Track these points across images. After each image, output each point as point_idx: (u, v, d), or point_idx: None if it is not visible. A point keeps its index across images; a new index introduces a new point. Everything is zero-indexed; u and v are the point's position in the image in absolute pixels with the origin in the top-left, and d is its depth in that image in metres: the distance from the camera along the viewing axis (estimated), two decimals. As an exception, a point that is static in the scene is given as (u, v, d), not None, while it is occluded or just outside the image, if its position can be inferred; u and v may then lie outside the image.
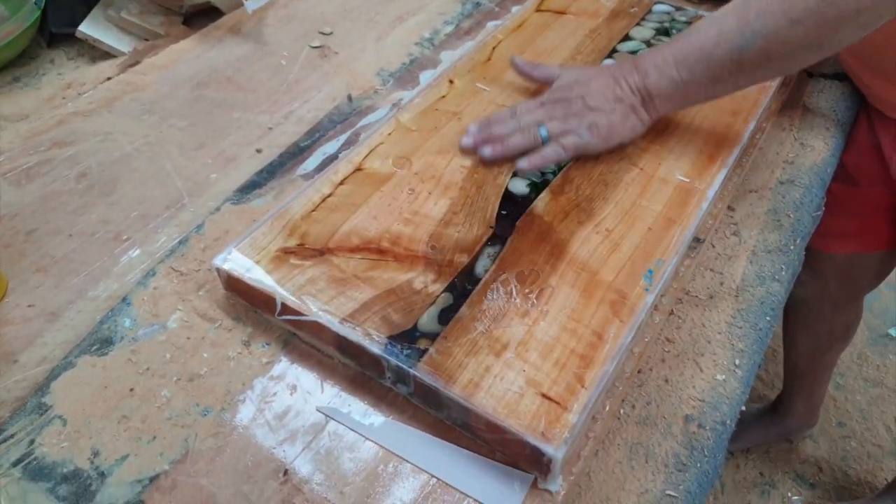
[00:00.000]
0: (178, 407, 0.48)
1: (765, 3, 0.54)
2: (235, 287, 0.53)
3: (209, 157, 0.68)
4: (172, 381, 0.50)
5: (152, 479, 0.44)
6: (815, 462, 1.37)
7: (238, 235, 0.55)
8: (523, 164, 0.61)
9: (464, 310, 0.50)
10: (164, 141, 0.69)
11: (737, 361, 0.56)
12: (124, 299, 0.55)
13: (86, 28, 0.86)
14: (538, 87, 0.70)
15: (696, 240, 0.62)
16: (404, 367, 0.46)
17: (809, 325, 1.12)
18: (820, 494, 1.33)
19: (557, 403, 0.44)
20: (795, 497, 1.32)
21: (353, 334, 0.48)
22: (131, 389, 0.49)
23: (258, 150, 0.68)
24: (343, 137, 0.70)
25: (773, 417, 1.33)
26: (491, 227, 0.56)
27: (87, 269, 0.57)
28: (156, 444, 0.46)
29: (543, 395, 0.45)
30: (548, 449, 0.42)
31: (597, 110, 0.61)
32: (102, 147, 0.68)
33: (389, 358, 0.47)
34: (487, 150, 0.61)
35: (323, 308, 0.49)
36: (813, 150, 0.76)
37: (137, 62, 0.79)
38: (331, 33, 0.84)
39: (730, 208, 0.70)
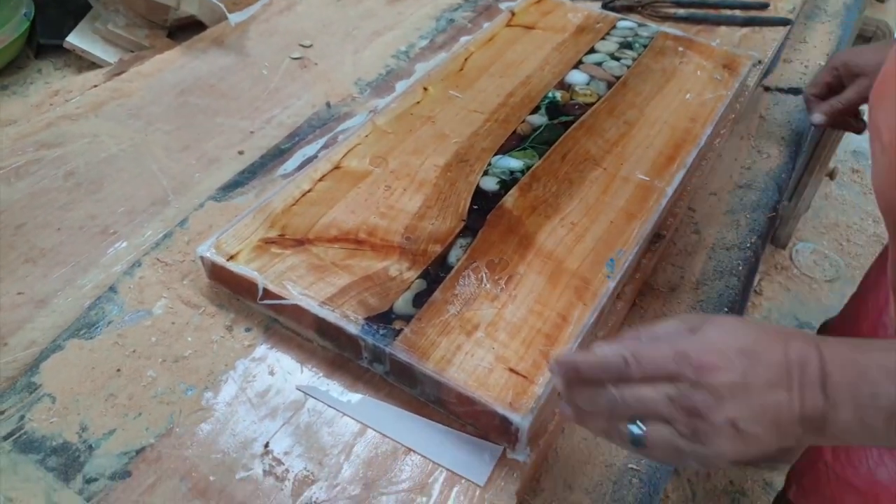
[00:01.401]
0: (163, 386, 0.50)
1: None
2: (219, 275, 0.56)
3: (193, 159, 0.70)
4: (158, 362, 0.52)
5: (138, 452, 0.46)
6: (783, 470, 1.40)
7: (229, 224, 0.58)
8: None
9: (437, 294, 0.53)
10: (149, 143, 0.71)
11: (695, 347, 0.60)
12: (111, 288, 0.57)
13: (73, 39, 0.89)
14: (508, 94, 0.74)
15: (658, 235, 0.66)
16: (380, 345, 0.49)
17: None
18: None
19: (524, 377, 0.47)
20: None
21: (332, 316, 0.50)
22: (118, 370, 0.51)
23: (240, 152, 0.71)
24: (322, 141, 0.73)
25: None
26: (463, 220, 0.59)
27: (75, 260, 0.59)
28: (142, 420, 0.48)
29: (511, 370, 0.48)
30: (515, 418, 0.45)
31: (736, 433, 0.36)
32: (89, 148, 0.70)
33: (366, 338, 0.49)
34: (565, 409, 0.41)
35: (303, 292, 0.52)
36: (769, 157, 0.81)
37: (123, 71, 0.82)
38: (311, 46, 0.88)
39: (690, 209, 0.74)
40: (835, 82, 0.75)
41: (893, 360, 0.35)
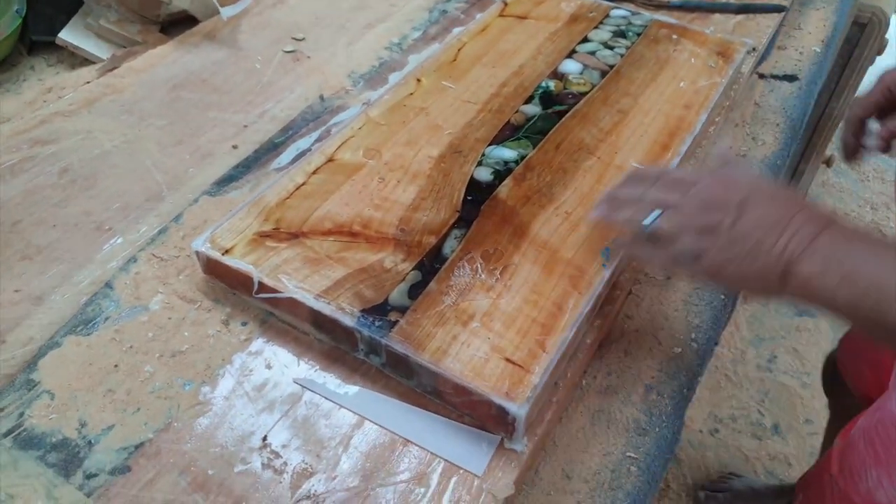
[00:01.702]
0: (161, 381, 0.50)
1: None
2: (214, 270, 0.56)
3: (187, 153, 0.70)
4: (155, 357, 0.52)
5: (137, 447, 0.47)
6: (784, 458, 1.41)
7: (223, 219, 0.58)
8: (615, 245, 0.53)
9: (432, 285, 0.53)
10: (142, 138, 0.71)
11: (693, 336, 0.60)
12: (107, 284, 0.57)
13: (66, 35, 0.89)
14: (501, 84, 0.74)
15: (652, 223, 0.66)
16: (376, 337, 0.49)
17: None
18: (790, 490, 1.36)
19: (520, 367, 0.47)
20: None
21: (328, 308, 0.51)
22: (116, 366, 0.51)
23: (234, 147, 0.71)
24: (315, 134, 0.73)
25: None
26: (457, 211, 0.59)
27: (71, 257, 0.59)
28: (140, 415, 0.48)
29: (507, 360, 0.48)
30: (512, 407, 0.45)
31: (734, 243, 0.45)
32: (83, 145, 0.70)
33: (362, 329, 0.49)
34: (598, 209, 0.54)
35: (298, 285, 0.52)
36: (764, 144, 0.81)
37: (116, 67, 0.82)
38: (303, 39, 0.88)
39: (685, 197, 0.74)
40: (887, 103, 0.65)
41: (869, 246, 0.43)
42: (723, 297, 0.65)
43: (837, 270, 0.42)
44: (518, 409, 0.45)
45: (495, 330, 0.50)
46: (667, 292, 0.64)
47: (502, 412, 0.45)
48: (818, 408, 1.49)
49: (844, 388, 0.97)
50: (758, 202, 0.46)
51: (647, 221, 0.48)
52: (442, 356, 0.48)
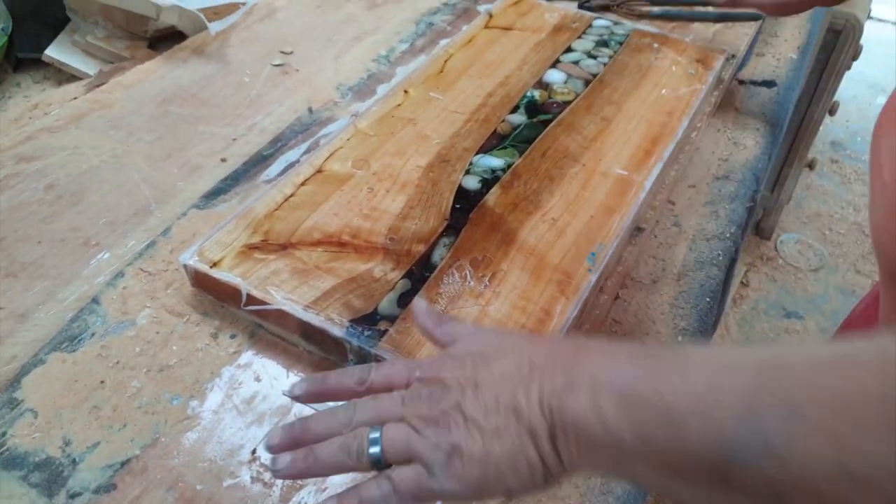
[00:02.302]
0: (148, 396, 0.50)
1: (808, 380, 0.27)
2: (202, 283, 0.56)
3: (175, 167, 0.70)
4: (142, 372, 0.51)
5: (123, 464, 0.46)
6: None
7: (211, 232, 0.58)
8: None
9: (422, 294, 0.53)
10: (130, 153, 0.71)
11: (679, 339, 0.60)
12: (94, 299, 0.57)
13: (52, 52, 0.89)
14: (487, 94, 0.74)
15: (638, 229, 0.67)
16: (366, 346, 0.49)
17: None
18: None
19: (509, 373, 0.47)
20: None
21: (317, 319, 0.51)
22: (102, 382, 0.51)
23: (223, 160, 0.71)
24: (304, 146, 0.73)
25: None
26: (446, 220, 0.60)
27: (57, 273, 0.59)
28: (127, 431, 0.48)
29: (496, 366, 0.48)
30: (500, 413, 0.45)
31: (471, 424, 0.33)
32: (70, 160, 0.70)
33: (351, 339, 0.49)
34: (282, 461, 0.36)
35: (287, 297, 0.52)
36: (745, 149, 0.82)
37: (103, 83, 0.82)
38: (291, 52, 0.88)
39: (670, 202, 0.75)
40: None
41: (638, 363, 0.32)
42: (708, 299, 0.65)
43: (614, 394, 0.31)
44: (508, 415, 0.45)
45: (484, 337, 0.50)
46: (653, 296, 0.64)
47: (492, 419, 0.45)
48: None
49: None
50: (494, 357, 0.35)
51: (374, 451, 0.34)
52: (431, 364, 0.48)
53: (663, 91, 0.77)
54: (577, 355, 0.34)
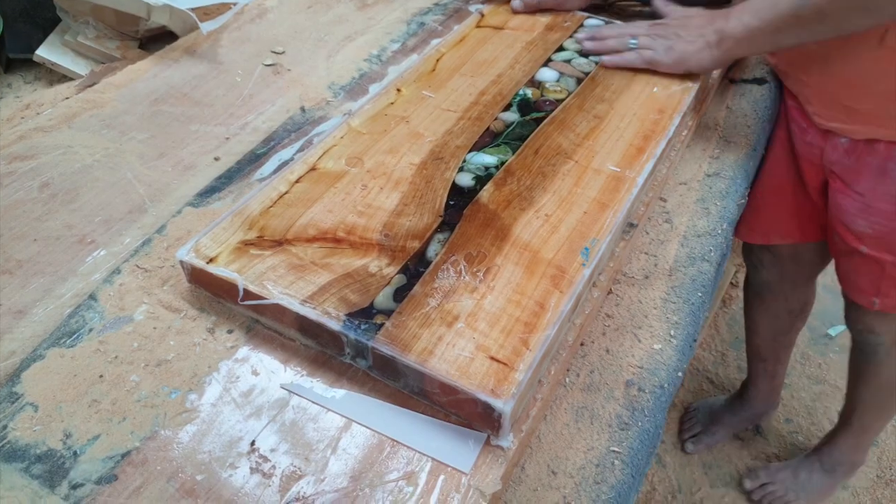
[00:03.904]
0: (146, 390, 0.50)
1: None
2: (199, 278, 0.56)
3: (169, 166, 0.70)
4: (140, 367, 0.52)
5: (124, 455, 0.46)
6: (765, 457, 1.43)
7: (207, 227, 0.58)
8: (606, 59, 0.80)
9: (417, 288, 0.53)
10: (124, 152, 0.71)
11: (672, 332, 0.61)
12: (91, 296, 0.57)
13: (43, 52, 0.89)
14: (480, 92, 0.75)
15: (630, 225, 0.68)
16: (362, 340, 0.49)
17: (771, 306, 1.20)
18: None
19: (505, 364, 0.48)
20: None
21: (313, 314, 0.51)
22: (100, 376, 0.51)
23: (216, 158, 0.72)
24: (298, 144, 0.73)
25: (741, 403, 1.39)
26: (440, 216, 0.60)
27: (53, 270, 0.59)
28: (126, 424, 0.48)
29: (492, 358, 0.48)
30: (497, 403, 0.46)
31: (681, 39, 0.76)
32: (63, 159, 0.70)
33: (348, 333, 0.50)
34: (588, 45, 0.82)
35: (283, 292, 0.52)
36: (736, 146, 0.84)
37: (95, 82, 0.82)
38: (283, 52, 0.88)
39: (662, 199, 0.76)
40: None
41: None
42: (700, 294, 0.66)
43: (747, 12, 0.70)
44: (504, 405, 0.46)
45: (480, 330, 0.50)
46: (646, 291, 0.65)
47: (488, 409, 0.46)
48: (797, 407, 1.52)
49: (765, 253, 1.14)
50: (693, 17, 0.77)
51: (632, 43, 0.79)
52: (428, 357, 0.48)
53: (655, 89, 0.78)
54: (728, 10, 0.74)
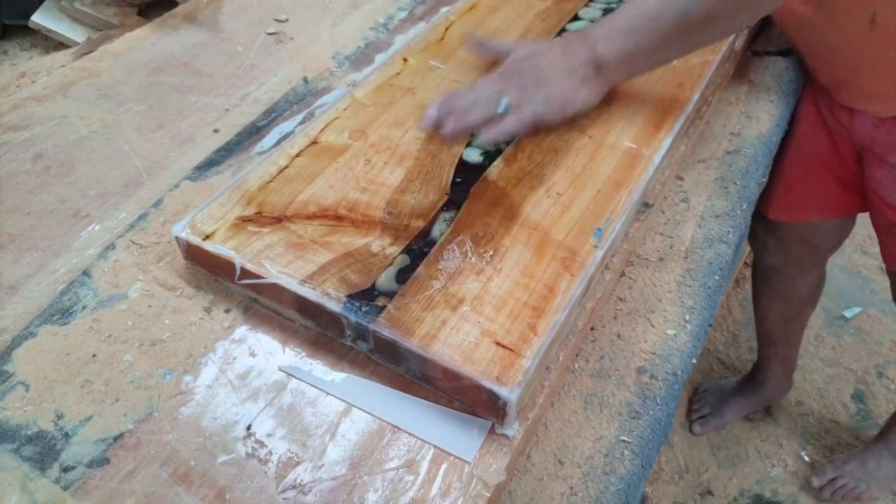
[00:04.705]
0: (140, 370, 0.49)
1: None
2: (195, 255, 0.54)
3: (167, 138, 0.68)
4: (135, 346, 0.50)
5: (116, 438, 0.45)
6: (776, 440, 1.41)
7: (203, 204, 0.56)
8: (482, 137, 0.61)
9: (421, 269, 0.51)
10: (120, 123, 0.69)
11: (687, 317, 0.59)
12: (84, 272, 0.55)
13: (39, 18, 0.86)
14: (490, 64, 0.72)
15: (646, 204, 0.65)
16: (363, 323, 0.47)
17: (779, 291, 1.16)
18: (782, 471, 1.37)
19: (511, 350, 0.46)
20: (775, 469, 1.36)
21: (313, 294, 0.49)
22: (94, 355, 0.49)
23: (215, 131, 0.69)
24: (299, 117, 0.71)
25: (752, 387, 1.37)
26: (446, 194, 0.58)
27: (46, 245, 0.57)
28: (119, 406, 0.47)
29: (498, 344, 0.46)
30: (503, 391, 0.44)
31: (551, 81, 0.61)
32: (58, 130, 0.68)
33: (348, 315, 0.48)
34: (449, 125, 0.61)
35: (282, 271, 0.50)
36: (758, 122, 0.80)
37: (92, 50, 0.79)
38: (286, 20, 0.85)
39: (679, 178, 0.73)
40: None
41: (621, 16, 0.62)
42: (717, 277, 0.64)
43: (620, 33, 0.61)
44: (509, 393, 0.44)
45: (486, 314, 0.48)
46: (660, 273, 0.63)
47: (493, 397, 0.44)
48: (809, 390, 1.49)
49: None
50: (543, 52, 0.63)
51: (500, 108, 0.61)
52: (431, 341, 0.46)
53: (674, 62, 0.74)
54: (586, 33, 0.63)
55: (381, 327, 0.47)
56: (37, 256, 0.57)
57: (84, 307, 0.53)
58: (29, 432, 0.45)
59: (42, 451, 0.44)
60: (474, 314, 0.48)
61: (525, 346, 0.46)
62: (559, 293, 0.50)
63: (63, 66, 0.76)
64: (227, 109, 0.72)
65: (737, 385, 1.41)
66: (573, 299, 0.50)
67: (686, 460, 1.37)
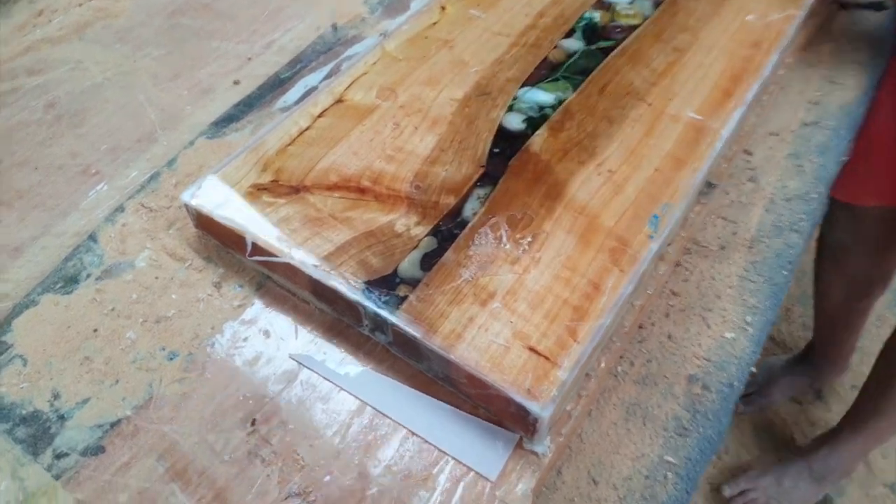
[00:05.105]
0: (143, 349, 0.45)
1: None
2: (206, 225, 0.49)
3: (184, 89, 0.63)
4: (138, 322, 0.47)
5: (113, 425, 0.42)
6: (825, 425, 1.34)
7: (218, 166, 0.51)
8: None
9: (448, 255, 0.46)
10: (137, 70, 0.64)
11: (748, 319, 0.52)
12: (91, 236, 0.51)
13: (61, -51, 0.80)
14: (537, 14, 0.64)
15: (709, 184, 0.58)
16: (382, 314, 0.43)
17: (846, 270, 1.06)
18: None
19: (546, 358, 0.41)
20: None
21: (329, 278, 0.44)
22: (95, 330, 0.46)
23: (236, 82, 0.64)
24: (326, 68, 0.65)
25: (804, 367, 1.28)
26: (482, 167, 0.51)
27: (54, 204, 0.54)
28: (118, 388, 0.43)
29: (531, 349, 0.41)
30: (534, 407, 0.39)
31: None
32: (72, 76, 0.63)
33: (367, 304, 0.43)
34: None
35: (297, 249, 0.46)
36: (843, 89, 0.70)
37: (114, -14, 0.74)
38: (321, -43, 0.78)
39: (747, 152, 0.65)
40: None
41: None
42: (785, 272, 0.56)
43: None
44: (541, 409, 0.39)
45: (519, 312, 0.43)
46: (720, 265, 0.56)
47: (522, 411, 0.39)
48: (867, 373, 1.41)
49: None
50: None
51: None
52: (456, 341, 0.41)
53: (749, 17, 0.65)
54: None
55: (402, 321, 0.42)
56: (43, 216, 0.53)
57: (88, 275, 0.49)
58: (24, 412, 0.43)
59: (36, 433, 0.42)
60: (506, 312, 0.43)
61: (563, 353, 0.41)
62: (605, 292, 0.44)
63: (80, 4, 0.71)
64: (249, 58, 0.66)
65: (787, 363, 1.33)
66: (621, 300, 0.44)
67: (726, 441, 1.32)
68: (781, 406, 1.35)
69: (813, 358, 1.27)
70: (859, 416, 1.09)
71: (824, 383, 1.33)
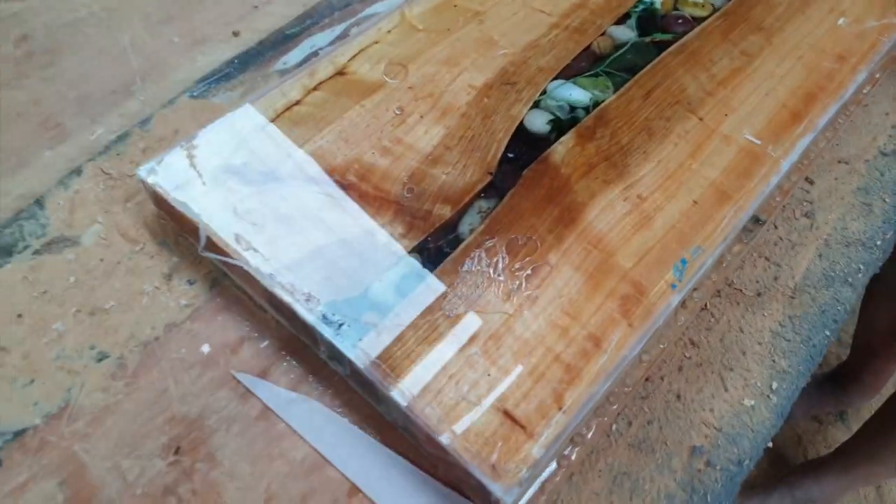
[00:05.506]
0: (69, 346, 0.40)
1: None
2: (162, 205, 0.43)
3: (175, 35, 0.56)
4: (70, 311, 0.41)
5: (17, 434, 0.37)
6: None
7: (189, 138, 0.44)
8: None
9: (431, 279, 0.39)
10: (125, 7, 0.57)
11: (774, 385, 0.45)
12: (37, 201, 0.46)
13: None
14: (590, -8, 0.55)
15: (756, 220, 0.49)
16: (338, 347, 0.36)
17: None
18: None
19: (523, 427, 0.34)
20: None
21: (285, 292, 0.38)
22: (19, 315, 0.41)
23: (235, 34, 0.56)
24: (339, 28, 0.57)
25: (832, 387, 1.19)
26: (489, 174, 0.44)
27: (5, 157, 0.48)
28: (33, 390, 0.38)
29: (506, 413, 0.34)
30: (496, 489, 0.32)
31: None
32: (53, 6, 0.57)
33: (323, 332, 0.37)
34: None
35: (256, 251, 0.39)
36: (934, 118, 0.60)
37: None
38: None
39: (807, 180, 0.55)
40: None
41: None
42: (828, 332, 0.48)
43: None
44: (504, 492, 0.32)
45: (500, 364, 0.36)
46: (753, 316, 0.48)
47: (483, 490, 0.33)
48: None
49: None
50: None
51: None
52: (419, 392, 0.35)
53: (841, 21, 0.54)
54: None
55: (360, 358, 0.35)
56: (-8, 169, 0.47)
57: (26, 247, 0.43)
58: (-71, 401, 0.38)
59: (-64, 430, 0.37)
60: (485, 361, 0.36)
61: (542, 423, 0.34)
62: (607, 351, 0.37)
63: (77, -77, 0.63)
64: (254, 6, 0.58)
65: (814, 380, 1.24)
66: (625, 362, 0.36)
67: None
68: (800, 422, 1.27)
69: (843, 379, 1.19)
70: (853, 455, 1.02)
71: (851, 406, 1.24)
